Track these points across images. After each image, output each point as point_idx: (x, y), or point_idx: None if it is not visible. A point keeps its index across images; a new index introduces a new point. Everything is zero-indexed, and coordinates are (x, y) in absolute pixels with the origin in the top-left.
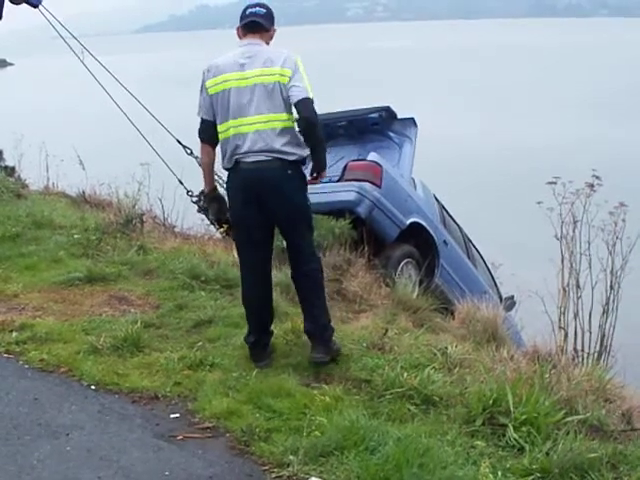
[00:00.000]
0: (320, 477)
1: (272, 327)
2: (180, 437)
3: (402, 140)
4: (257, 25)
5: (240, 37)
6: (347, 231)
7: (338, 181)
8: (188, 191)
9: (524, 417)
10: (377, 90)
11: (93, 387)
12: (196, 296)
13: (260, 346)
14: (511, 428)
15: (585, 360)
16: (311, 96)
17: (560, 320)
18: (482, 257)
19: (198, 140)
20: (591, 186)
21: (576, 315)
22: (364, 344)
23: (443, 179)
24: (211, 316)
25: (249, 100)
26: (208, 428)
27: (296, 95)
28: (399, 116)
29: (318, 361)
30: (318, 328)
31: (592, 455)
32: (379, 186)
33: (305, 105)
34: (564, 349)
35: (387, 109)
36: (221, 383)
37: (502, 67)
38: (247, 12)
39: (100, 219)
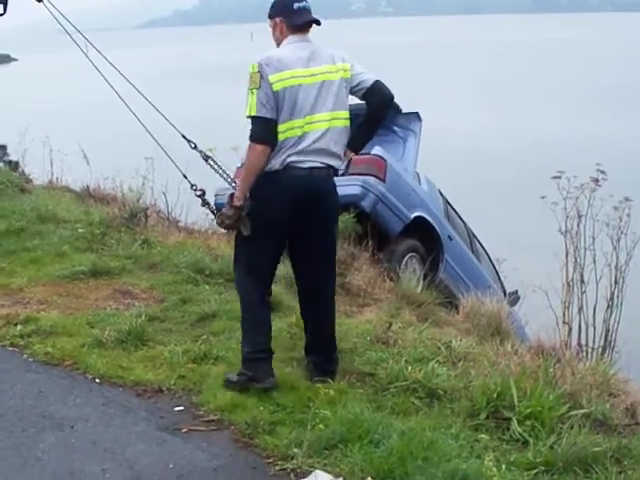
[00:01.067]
0: (324, 470)
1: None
2: (184, 430)
3: (406, 134)
4: (314, 23)
5: (282, 32)
6: (351, 225)
7: (342, 175)
8: (192, 185)
9: (528, 411)
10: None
11: (97, 380)
12: (200, 290)
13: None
14: (515, 422)
15: (589, 355)
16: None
17: (564, 315)
18: (486, 252)
19: (250, 143)
20: (596, 180)
21: (580, 310)
22: (368, 338)
23: (447, 173)
24: (215, 310)
25: (316, 98)
26: (212, 421)
27: (369, 79)
28: (403, 110)
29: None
30: None
31: (596, 449)
32: (383, 180)
33: (383, 84)
34: (568, 344)
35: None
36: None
37: (506, 62)
38: (295, 7)
39: (104, 213)
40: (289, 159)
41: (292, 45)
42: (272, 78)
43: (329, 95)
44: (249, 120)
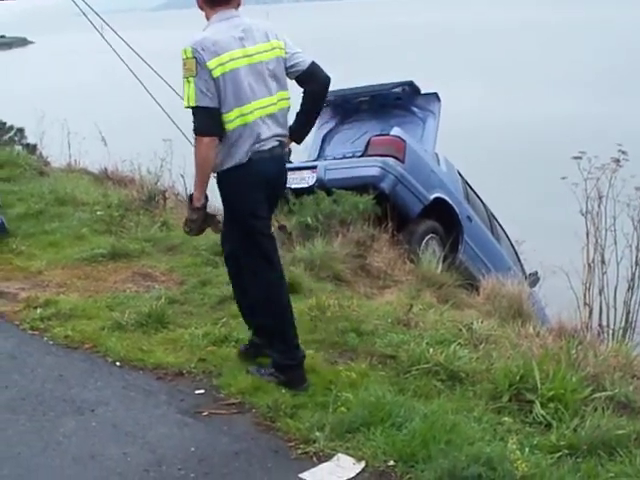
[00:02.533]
0: (346, 453)
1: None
2: (205, 413)
3: (425, 115)
4: None
5: (204, 8)
6: (371, 207)
7: (361, 156)
8: None
9: (551, 393)
10: (399, 65)
11: (118, 363)
12: (220, 272)
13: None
14: (538, 404)
15: (611, 336)
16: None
17: (585, 296)
18: (506, 233)
19: (195, 137)
20: (617, 161)
21: (601, 291)
22: (389, 320)
23: (466, 154)
24: None
25: (258, 80)
26: (233, 404)
27: (305, 60)
28: (422, 91)
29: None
30: None
31: (620, 432)
32: (402, 161)
33: (319, 67)
34: (589, 325)
35: (410, 84)
36: (246, 359)
37: (524, 42)
38: None
39: (123, 196)
40: (252, 148)
41: (222, 24)
42: (211, 64)
43: (270, 76)
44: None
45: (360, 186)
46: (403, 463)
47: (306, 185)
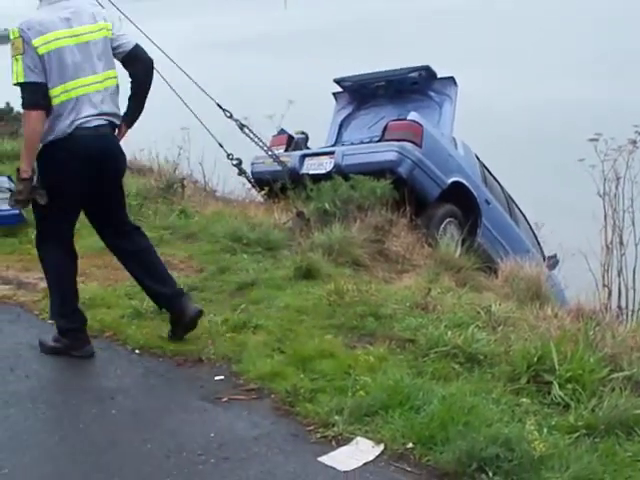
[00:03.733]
0: (365, 437)
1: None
2: (225, 399)
3: (442, 99)
4: None
5: None
6: (388, 191)
7: (379, 141)
8: (228, 155)
9: (569, 374)
10: (415, 50)
11: (137, 351)
12: (238, 259)
13: (86, 326)
14: (556, 385)
15: (629, 317)
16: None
17: (603, 278)
18: (524, 216)
19: (24, 111)
20: (634, 142)
21: (620, 272)
22: (407, 304)
23: (483, 138)
24: (254, 278)
25: (84, 59)
26: (253, 389)
27: (129, 42)
28: (439, 75)
29: (198, 310)
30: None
31: (638, 411)
32: (420, 146)
33: (142, 49)
34: (608, 307)
35: (427, 68)
36: (265, 345)
37: (536, 23)
38: None
39: (141, 184)
40: (74, 123)
41: (51, 6)
42: (36, 42)
43: (97, 55)
44: (18, 88)
45: (378, 171)
46: (422, 445)
47: (324, 171)
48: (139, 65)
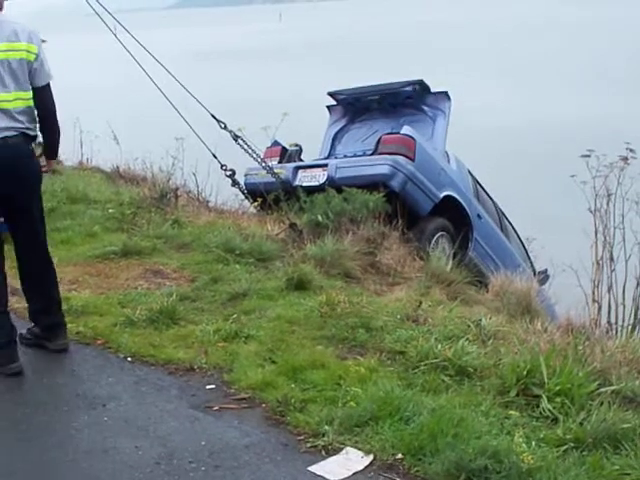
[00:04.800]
0: (355, 447)
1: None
2: (216, 408)
3: (435, 113)
4: None
5: None
6: (381, 204)
7: (372, 154)
8: (222, 165)
9: (558, 388)
10: (413, 63)
11: (129, 359)
12: (231, 269)
13: (15, 343)
14: (545, 399)
15: (619, 333)
16: (51, 79)
17: (594, 293)
18: (515, 230)
19: None
20: (625, 159)
21: (610, 288)
22: (398, 316)
23: (475, 152)
24: (246, 289)
25: None
26: (244, 399)
27: (42, 79)
28: (432, 89)
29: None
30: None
31: (626, 425)
32: (413, 159)
33: (46, 92)
34: (598, 322)
35: (420, 82)
36: (256, 355)
37: (531, 39)
38: None
39: (135, 194)
40: None
41: None
42: None
43: (9, 74)
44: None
45: (370, 184)
46: (411, 456)
47: (317, 183)
48: (42, 106)
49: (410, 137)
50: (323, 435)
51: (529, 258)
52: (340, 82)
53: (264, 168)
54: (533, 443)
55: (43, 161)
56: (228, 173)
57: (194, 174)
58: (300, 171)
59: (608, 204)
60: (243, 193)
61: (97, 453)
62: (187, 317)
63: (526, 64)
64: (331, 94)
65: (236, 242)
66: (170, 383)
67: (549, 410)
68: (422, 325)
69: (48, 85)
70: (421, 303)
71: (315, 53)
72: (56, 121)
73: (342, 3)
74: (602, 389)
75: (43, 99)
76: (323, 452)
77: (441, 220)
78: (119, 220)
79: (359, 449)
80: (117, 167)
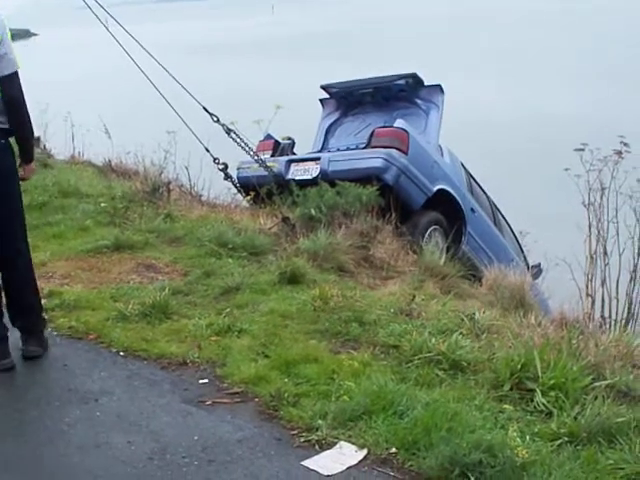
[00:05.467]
0: (349, 441)
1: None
2: (209, 402)
3: (429, 107)
4: None
5: None
6: (374, 198)
7: (365, 148)
8: (215, 159)
9: (552, 382)
10: (408, 57)
11: (122, 353)
12: (223, 263)
13: (6, 339)
14: (539, 393)
15: (612, 327)
16: (18, 69)
17: (587, 287)
18: (509, 224)
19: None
20: (619, 153)
21: (603, 282)
22: (392, 310)
23: (469, 146)
24: (239, 283)
25: None
26: (237, 393)
27: (5, 67)
28: (426, 83)
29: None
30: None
31: (620, 419)
32: (406, 153)
33: (12, 81)
34: (591, 316)
35: (414, 76)
36: (249, 349)
37: (525, 32)
38: None
39: (127, 188)
40: None
41: None
42: None
43: None
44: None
45: (363, 178)
46: (405, 450)
47: (310, 177)
48: (6, 96)
49: (403, 130)
50: (316, 429)
51: (522, 252)
52: (333, 75)
53: (257, 162)
54: (527, 437)
55: (22, 171)
56: (221, 167)
57: (186, 168)
58: (293, 165)
59: (602, 198)
60: (236, 187)
61: (89, 448)
62: (180, 311)
63: (520, 58)
64: (324, 87)
65: (229, 236)
66: (163, 378)
67: (543, 404)
68: (416, 319)
69: (15, 73)
70: (414, 297)
71: (308, 45)
72: (25, 113)
73: None
74: (596, 383)
75: (9, 89)
76: (317, 446)
77: (434, 214)
78: (111, 214)
79: (353, 443)
80: (109, 161)
